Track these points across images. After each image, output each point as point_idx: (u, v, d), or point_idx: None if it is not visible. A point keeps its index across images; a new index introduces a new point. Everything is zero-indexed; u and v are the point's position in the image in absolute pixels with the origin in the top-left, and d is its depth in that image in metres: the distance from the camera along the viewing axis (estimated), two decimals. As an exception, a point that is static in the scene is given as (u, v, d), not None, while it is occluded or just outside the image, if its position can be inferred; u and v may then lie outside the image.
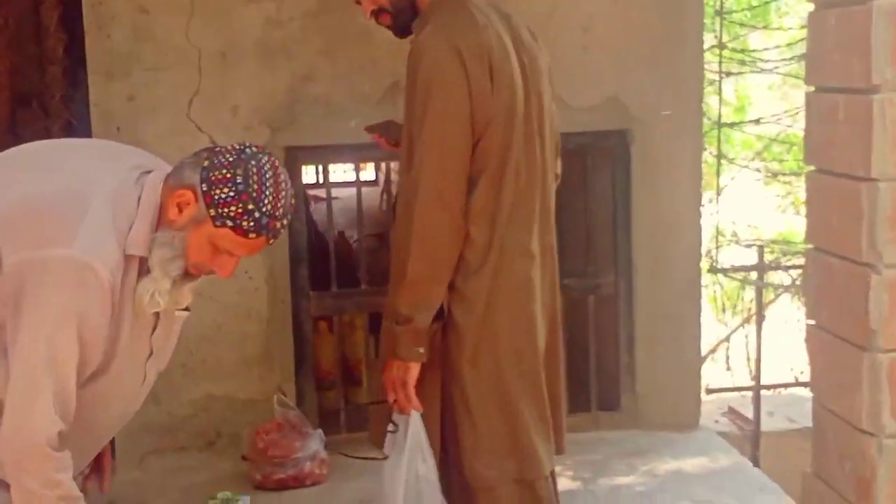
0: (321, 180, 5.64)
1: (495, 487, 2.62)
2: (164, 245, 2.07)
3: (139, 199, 2.09)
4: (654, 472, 4.12)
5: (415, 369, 2.56)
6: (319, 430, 4.25)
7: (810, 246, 2.26)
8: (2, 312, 2.02)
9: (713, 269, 4.90)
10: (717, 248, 4.97)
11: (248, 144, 2.13)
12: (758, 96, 8.09)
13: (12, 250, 1.99)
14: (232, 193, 2.04)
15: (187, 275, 2.13)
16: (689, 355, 4.64)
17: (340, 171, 7.79)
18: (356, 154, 4.40)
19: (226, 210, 2.05)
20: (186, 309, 2.28)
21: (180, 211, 2.08)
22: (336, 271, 4.46)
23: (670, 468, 4.25)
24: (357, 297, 4.53)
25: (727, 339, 4.98)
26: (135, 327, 2.14)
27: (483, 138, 2.56)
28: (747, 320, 4.98)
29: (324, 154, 4.30)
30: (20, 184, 2.09)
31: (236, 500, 3.91)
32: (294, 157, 4.17)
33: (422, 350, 2.55)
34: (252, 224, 2.06)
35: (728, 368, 4.99)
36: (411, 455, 2.51)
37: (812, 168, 2.26)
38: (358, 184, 4.58)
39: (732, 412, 4.92)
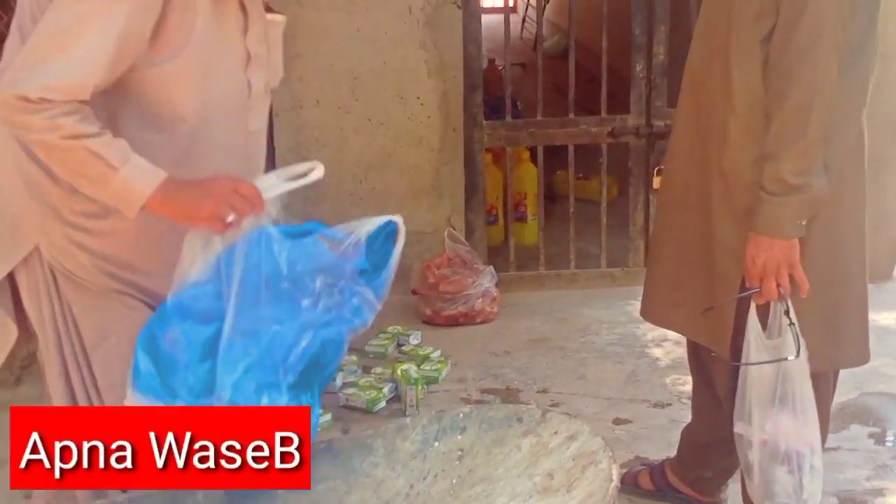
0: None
1: (815, 375, 2.30)
2: None
3: None
4: (849, 325, 3.83)
5: (798, 247, 2.21)
6: (490, 267, 4.09)
7: None
8: None
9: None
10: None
11: None
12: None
13: None
14: None
15: None
16: (889, 200, 4.27)
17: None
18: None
19: None
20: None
21: None
22: (486, 100, 4.21)
23: (866, 321, 3.96)
24: (532, 129, 4.27)
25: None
26: (219, 26, 1.95)
27: None
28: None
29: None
30: None
31: (407, 335, 3.80)
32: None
33: (804, 223, 2.20)
34: None
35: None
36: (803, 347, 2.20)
37: None
38: (506, 10, 4.25)
39: (927, 263, 4.55)
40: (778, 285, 2.21)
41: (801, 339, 2.19)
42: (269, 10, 2.10)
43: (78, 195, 1.92)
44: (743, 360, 2.28)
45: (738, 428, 2.33)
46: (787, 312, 2.21)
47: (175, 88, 1.92)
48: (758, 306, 2.25)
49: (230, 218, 1.87)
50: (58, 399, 2.07)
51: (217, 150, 2.02)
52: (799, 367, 2.21)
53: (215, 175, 1.93)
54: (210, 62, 1.95)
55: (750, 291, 2.25)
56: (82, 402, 2.05)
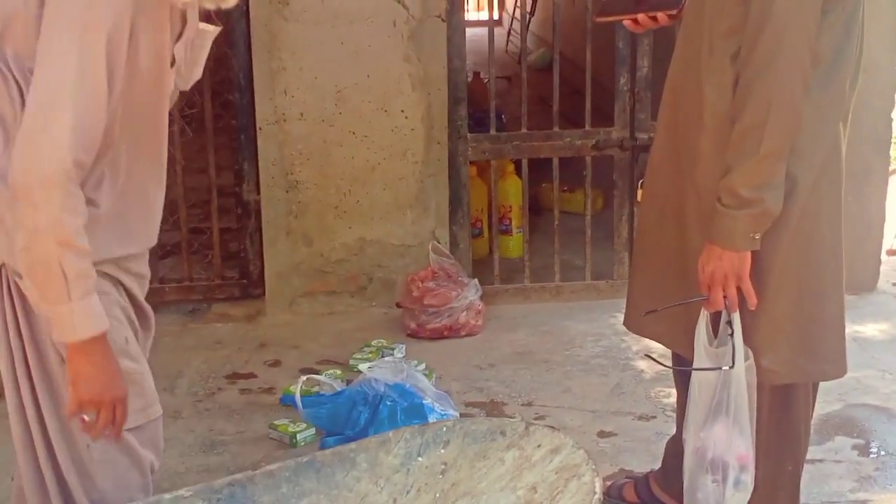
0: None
1: (790, 387, 2.35)
2: None
3: None
4: (833, 337, 3.83)
5: (749, 260, 2.23)
6: (475, 280, 4.09)
7: None
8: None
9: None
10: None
11: None
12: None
13: None
14: None
15: None
16: (872, 212, 4.29)
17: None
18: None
19: None
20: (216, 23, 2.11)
21: None
22: (472, 113, 4.23)
23: (849, 332, 3.94)
24: (517, 142, 4.27)
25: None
26: (156, 29, 1.93)
27: None
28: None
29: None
30: None
31: (392, 349, 3.79)
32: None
33: (758, 237, 2.21)
34: None
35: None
36: (739, 358, 2.22)
37: None
38: (491, 23, 4.28)
39: (912, 275, 4.57)
40: (724, 296, 2.22)
41: (737, 351, 2.21)
42: (209, 19, 2.10)
43: None
44: (691, 367, 2.30)
45: (683, 434, 2.35)
46: (728, 322, 2.22)
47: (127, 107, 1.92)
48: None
49: (86, 418, 1.91)
50: (12, 415, 2.06)
51: (129, 145, 2.01)
52: (736, 377, 2.22)
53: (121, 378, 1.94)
54: (141, 69, 1.93)
55: (695, 299, 2.27)
56: (31, 418, 2.03)
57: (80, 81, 1.79)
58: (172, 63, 2.01)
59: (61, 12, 1.79)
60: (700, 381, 2.29)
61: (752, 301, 2.21)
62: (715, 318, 2.27)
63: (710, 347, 2.27)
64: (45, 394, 2.02)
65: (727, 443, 2.26)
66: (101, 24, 1.79)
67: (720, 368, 2.23)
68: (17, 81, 1.87)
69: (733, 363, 2.21)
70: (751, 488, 2.30)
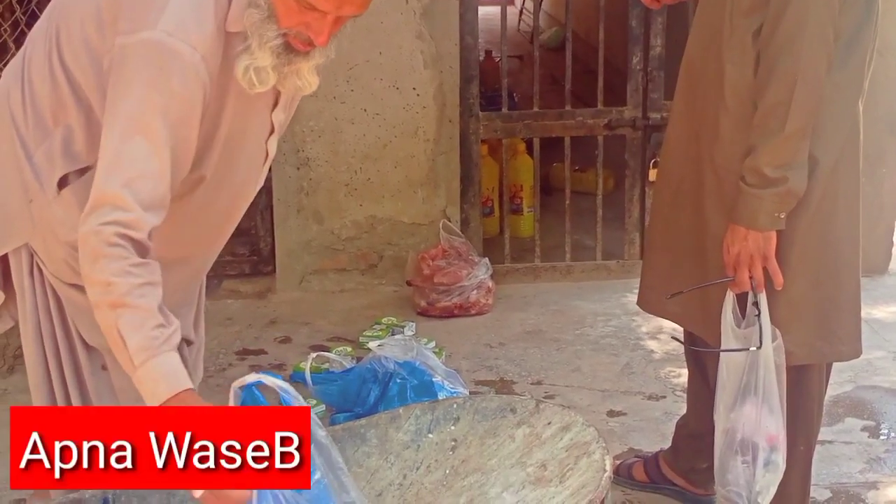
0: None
1: (804, 367, 2.33)
2: (252, 5, 1.78)
3: None
4: (844, 319, 3.83)
5: (774, 239, 2.22)
6: (485, 259, 4.08)
7: None
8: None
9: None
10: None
11: None
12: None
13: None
14: None
15: (291, 49, 1.84)
16: (885, 193, 4.27)
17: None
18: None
19: None
20: None
21: None
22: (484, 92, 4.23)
23: (861, 315, 3.95)
24: (529, 120, 4.26)
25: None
26: (249, 104, 1.91)
27: None
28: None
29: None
30: None
31: (402, 327, 3.80)
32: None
33: (783, 216, 2.21)
34: None
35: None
36: (767, 338, 2.22)
37: None
38: (503, 1, 4.26)
39: (923, 258, 4.55)
40: (750, 276, 2.22)
41: (765, 331, 2.20)
42: None
43: (67, 228, 1.87)
44: (718, 348, 2.30)
45: (714, 415, 2.35)
46: (755, 303, 2.22)
47: (219, 181, 1.92)
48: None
49: None
50: (36, 392, 2.05)
51: (217, 213, 2.03)
52: (764, 357, 2.21)
53: None
54: (233, 140, 1.92)
55: (722, 280, 2.26)
56: (59, 395, 2.03)
57: (123, 164, 1.75)
58: (272, 131, 2.01)
59: (113, 109, 1.77)
60: (728, 363, 2.28)
61: (779, 281, 2.21)
62: (741, 299, 2.26)
63: (737, 329, 2.27)
64: (71, 374, 2.03)
65: (756, 423, 2.26)
66: (149, 111, 1.75)
67: (748, 349, 2.23)
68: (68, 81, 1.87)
69: (761, 343, 2.20)
70: (782, 468, 2.29)
